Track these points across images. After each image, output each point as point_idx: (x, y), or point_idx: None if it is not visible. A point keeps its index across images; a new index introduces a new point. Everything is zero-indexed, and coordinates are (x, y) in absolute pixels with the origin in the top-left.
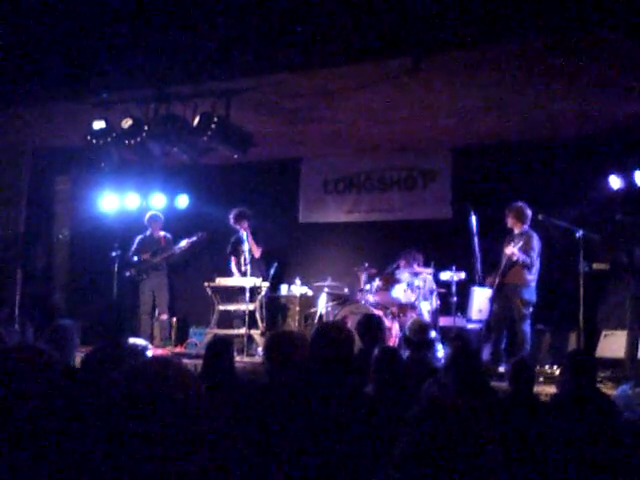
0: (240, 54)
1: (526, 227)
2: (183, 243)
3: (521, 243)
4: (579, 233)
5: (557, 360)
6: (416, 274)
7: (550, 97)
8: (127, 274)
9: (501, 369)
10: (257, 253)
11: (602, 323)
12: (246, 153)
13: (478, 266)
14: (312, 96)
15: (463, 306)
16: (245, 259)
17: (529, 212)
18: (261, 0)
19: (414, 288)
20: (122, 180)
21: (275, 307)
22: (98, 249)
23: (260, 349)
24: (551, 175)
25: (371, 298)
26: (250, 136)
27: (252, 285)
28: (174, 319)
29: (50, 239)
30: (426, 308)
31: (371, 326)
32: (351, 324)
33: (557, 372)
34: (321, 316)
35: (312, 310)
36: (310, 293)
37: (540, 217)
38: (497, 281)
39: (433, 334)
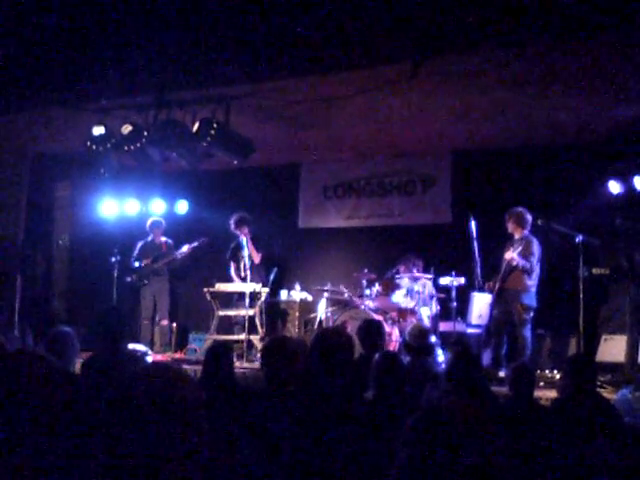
0: (239, 60)
1: (526, 232)
2: (184, 249)
3: (520, 248)
4: (579, 238)
5: (557, 365)
6: (416, 279)
7: (549, 102)
8: (128, 279)
9: (501, 374)
10: (257, 259)
11: (602, 327)
12: (246, 159)
13: (478, 271)
14: (311, 102)
15: (463, 311)
16: (245, 265)
17: (529, 217)
18: (260, 6)
19: (414, 293)
20: (122, 186)
21: (275, 312)
22: (98, 255)
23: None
24: (551, 180)
25: (371, 303)
26: (250, 142)
27: (252, 290)
28: (174, 325)
29: (50, 245)
30: (426, 313)
31: (372, 331)
32: (351, 329)
33: (557, 377)
34: (321, 321)
35: (312, 315)
36: (310, 298)
37: (539, 222)
38: (497, 286)
39: (433, 339)
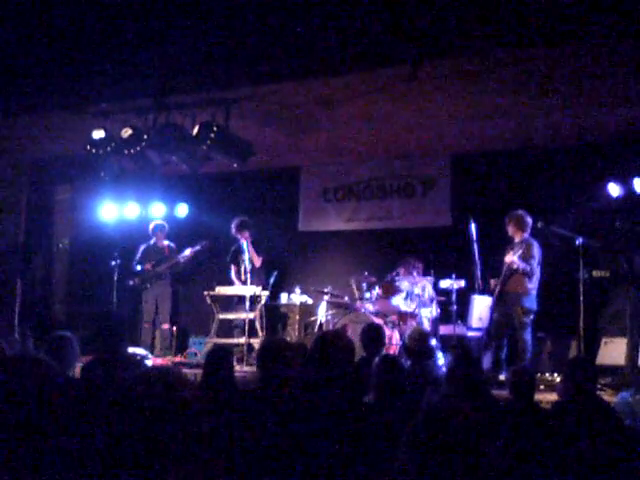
0: (239, 63)
1: (526, 235)
2: (187, 252)
3: (521, 251)
4: (579, 240)
5: (558, 367)
6: (415, 282)
7: (549, 104)
8: (130, 283)
9: (502, 377)
10: (257, 262)
11: (602, 330)
12: (245, 162)
13: (478, 274)
14: (311, 104)
15: (463, 314)
16: (245, 268)
17: (529, 220)
18: (259, 9)
19: (414, 296)
20: (122, 189)
21: (275, 316)
22: (98, 258)
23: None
24: (550, 182)
25: (371, 306)
26: (249, 145)
27: (252, 294)
28: (174, 328)
29: (50, 248)
30: (426, 316)
31: (375, 335)
32: (351, 332)
33: (558, 379)
34: (321, 324)
35: (312, 319)
36: (310, 301)
37: (539, 225)
38: (497, 289)
39: (433, 342)
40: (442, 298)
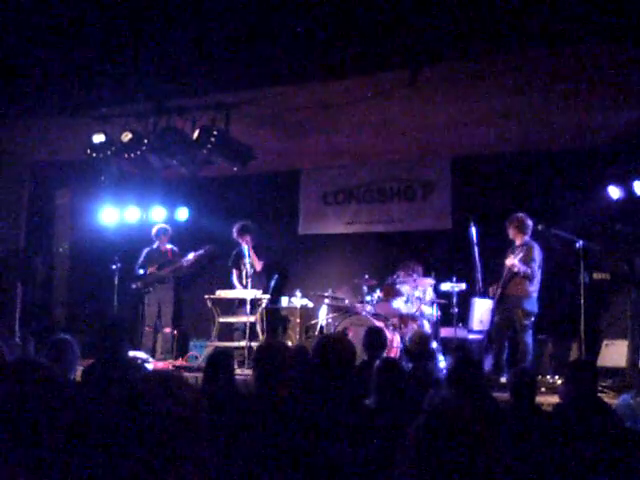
0: (239, 67)
1: (527, 238)
2: (190, 256)
3: (521, 254)
4: (579, 243)
5: (559, 370)
6: (416, 285)
7: (549, 107)
8: (133, 287)
9: (503, 380)
10: (258, 267)
11: (603, 332)
12: (245, 166)
13: (478, 277)
14: (311, 108)
15: (464, 317)
16: (247, 272)
17: (530, 223)
18: (259, 13)
19: (414, 299)
20: (122, 193)
21: (276, 319)
22: (98, 262)
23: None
24: (551, 185)
25: (372, 310)
26: (249, 149)
27: (252, 297)
28: (175, 332)
29: (50, 252)
30: (427, 319)
31: (377, 338)
32: (352, 335)
33: (559, 382)
34: (322, 328)
35: (313, 322)
36: (311, 305)
37: (540, 227)
38: (498, 292)
39: (434, 345)
40: (443, 301)
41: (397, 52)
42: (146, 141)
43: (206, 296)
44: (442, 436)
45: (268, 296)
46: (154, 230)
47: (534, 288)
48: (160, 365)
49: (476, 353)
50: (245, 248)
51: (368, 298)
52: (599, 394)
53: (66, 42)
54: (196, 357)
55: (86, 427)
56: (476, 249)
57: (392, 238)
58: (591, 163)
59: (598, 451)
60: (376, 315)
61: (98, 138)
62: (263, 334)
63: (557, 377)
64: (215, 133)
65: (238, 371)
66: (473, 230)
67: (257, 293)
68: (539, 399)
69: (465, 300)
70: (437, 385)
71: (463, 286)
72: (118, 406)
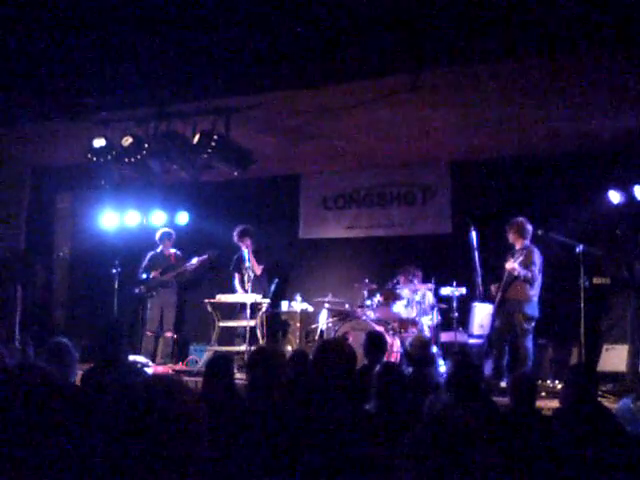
0: (239, 72)
1: (527, 242)
2: (194, 261)
3: (521, 258)
4: (579, 248)
5: (559, 374)
6: (416, 290)
7: (549, 112)
8: (136, 291)
9: (503, 384)
10: (258, 271)
11: (603, 337)
12: (246, 170)
13: (479, 281)
14: (312, 113)
15: (464, 321)
16: (249, 276)
17: (530, 227)
18: (260, 18)
19: (414, 303)
20: (122, 197)
21: (276, 323)
22: (98, 266)
23: None
24: (551, 190)
25: (372, 314)
26: (250, 153)
27: (253, 301)
28: (174, 336)
29: (50, 256)
30: (427, 323)
31: (377, 343)
32: (352, 340)
33: (559, 386)
34: (322, 332)
35: (313, 326)
36: (311, 309)
37: (540, 232)
38: (498, 296)
39: (434, 350)
40: (443, 305)
41: (397, 57)
42: (146, 145)
43: (206, 300)
44: (442, 441)
45: (268, 300)
46: (158, 234)
47: (535, 292)
48: (160, 369)
49: (476, 357)
50: (245, 252)
51: (368, 302)
52: (599, 399)
53: (68, 47)
54: (196, 361)
55: (86, 430)
56: (476, 253)
57: (392, 242)
58: (591, 168)
59: (598, 455)
60: (376, 319)
61: (99, 142)
62: (263, 338)
63: (557, 381)
64: (215, 138)
65: (238, 375)
66: (473, 234)
67: (257, 297)
68: (539, 403)
69: (465, 304)
70: (437, 390)
71: (463, 290)
72: (118, 410)
